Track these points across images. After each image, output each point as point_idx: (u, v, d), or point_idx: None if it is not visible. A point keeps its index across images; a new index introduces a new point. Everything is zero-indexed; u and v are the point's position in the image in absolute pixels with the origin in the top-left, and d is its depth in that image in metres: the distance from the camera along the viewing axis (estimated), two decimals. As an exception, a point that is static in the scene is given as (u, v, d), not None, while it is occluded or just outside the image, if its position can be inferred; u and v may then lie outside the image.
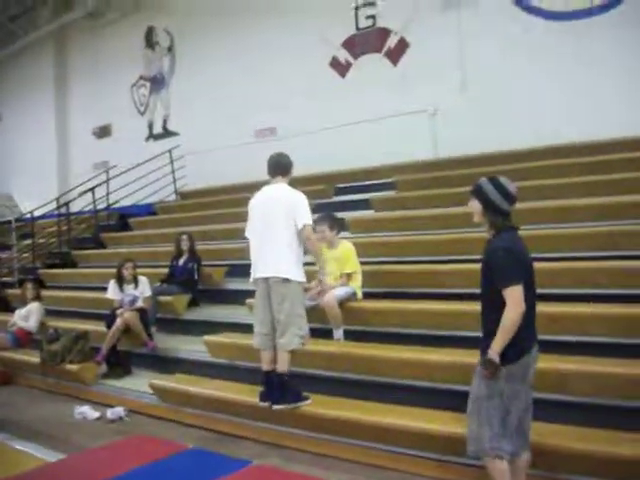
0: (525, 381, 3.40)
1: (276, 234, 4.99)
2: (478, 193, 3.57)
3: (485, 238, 6.29)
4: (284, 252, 4.96)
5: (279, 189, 5.16)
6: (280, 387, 5.00)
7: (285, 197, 5.08)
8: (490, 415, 3.35)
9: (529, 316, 3.35)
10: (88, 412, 6.35)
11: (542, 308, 5.01)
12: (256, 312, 5.20)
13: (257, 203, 5.24)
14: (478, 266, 5.84)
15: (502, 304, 3.30)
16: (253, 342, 5.27)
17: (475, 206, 3.58)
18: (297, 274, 5.02)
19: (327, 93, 10.37)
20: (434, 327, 5.56)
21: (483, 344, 3.43)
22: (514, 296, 3.28)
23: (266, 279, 5.02)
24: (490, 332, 3.36)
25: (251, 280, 5.20)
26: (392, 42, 9.72)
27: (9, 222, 13.04)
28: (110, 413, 6.24)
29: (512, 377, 3.33)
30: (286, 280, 4.93)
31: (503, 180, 3.53)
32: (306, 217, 5.04)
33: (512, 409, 3.36)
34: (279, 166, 5.23)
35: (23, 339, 8.31)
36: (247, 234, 5.33)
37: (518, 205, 6.46)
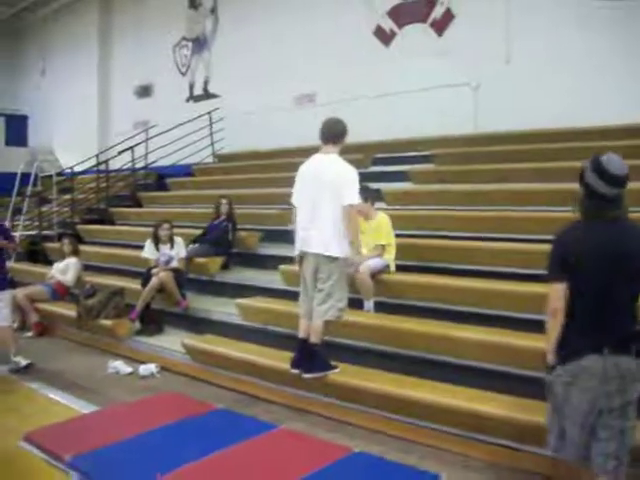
0: (578, 390, 2.97)
1: (324, 211, 4.89)
2: (580, 176, 3.06)
3: (520, 216, 6.20)
4: (331, 229, 4.88)
5: (329, 162, 4.99)
6: (310, 356, 5.04)
7: (335, 173, 4.92)
8: (548, 412, 3.18)
9: (582, 319, 2.98)
10: (121, 367, 6.51)
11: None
12: (303, 283, 5.18)
13: (306, 174, 5.10)
14: (514, 245, 5.89)
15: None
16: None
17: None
18: (343, 250, 4.97)
19: (370, 61, 10.24)
20: (466, 304, 5.56)
21: None
22: (549, 293, 3.03)
23: (314, 254, 4.99)
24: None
25: (296, 251, 5.14)
26: (438, 12, 9.52)
27: (50, 176, 13.26)
28: (142, 369, 6.39)
29: (560, 379, 3.03)
30: (334, 258, 4.91)
31: (606, 158, 2.97)
32: (351, 196, 4.88)
33: (564, 413, 3.05)
34: (332, 133, 5.05)
35: (61, 292, 8.50)
36: (294, 202, 5.23)
37: (559, 185, 6.44)
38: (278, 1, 11.76)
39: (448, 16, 9.41)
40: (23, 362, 6.39)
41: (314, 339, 5.02)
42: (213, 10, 13.45)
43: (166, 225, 7.75)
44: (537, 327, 4.89)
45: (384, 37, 10.24)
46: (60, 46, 17.16)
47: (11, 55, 18.77)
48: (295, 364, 5.15)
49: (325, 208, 4.90)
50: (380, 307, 5.95)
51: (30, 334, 8.12)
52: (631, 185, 5.59)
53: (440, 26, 9.51)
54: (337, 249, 4.92)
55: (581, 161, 6.89)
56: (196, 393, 5.71)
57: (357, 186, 4.95)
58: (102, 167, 12.04)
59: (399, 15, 10.03)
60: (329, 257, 4.91)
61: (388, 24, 10.16)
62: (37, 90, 17.92)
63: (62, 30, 17.06)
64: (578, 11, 8.02)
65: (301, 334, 5.16)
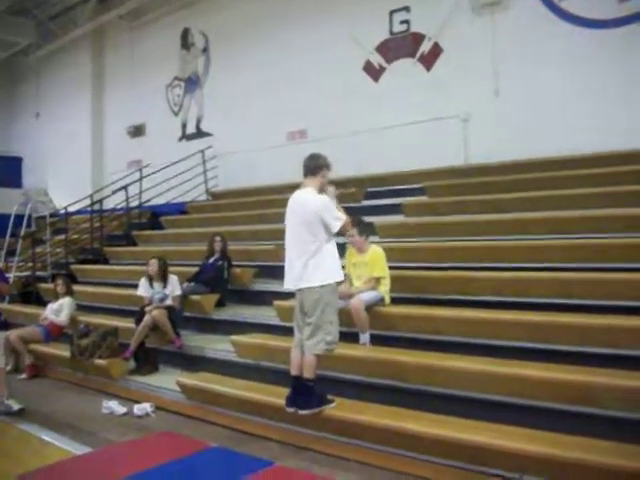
0: None
1: (303, 245, 4.94)
2: None
3: (514, 245, 6.24)
4: (311, 262, 4.90)
5: (303, 195, 5.08)
6: (305, 392, 4.98)
7: (308, 206, 4.97)
8: None
9: None
10: (115, 407, 6.42)
11: (576, 319, 5.00)
12: (294, 318, 5.21)
13: (288, 210, 5.17)
14: (508, 274, 5.89)
15: None
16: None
17: None
18: (327, 278, 4.95)
19: (360, 97, 10.40)
20: (462, 334, 5.52)
21: None
22: None
23: (298, 289, 5.03)
24: None
25: (284, 287, 5.18)
26: (426, 47, 9.69)
27: (44, 217, 13.27)
28: (137, 409, 6.30)
29: None
30: (317, 287, 4.91)
31: None
32: (335, 223, 4.93)
33: None
34: (307, 167, 5.15)
35: (54, 333, 8.43)
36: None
37: (550, 214, 6.49)
38: (268, 39, 11.94)
39: (436, 50, 9.57)
40: (15, 407, 6.28)
41: (307, 374, 4.96)
42: (205, 50, 13.66)
43: (153, 261, 7.68)
44: (534, 356, 4.89)
45: (373, 72, 10.38)
46: (54, 88, 17.34)
47: (5, 98, 18.98)
48: (290, 402, 5.06)
49: (303, 241, 4.94)
50: (376, 340, 5.90)
51: (24, 376, 8.04)
52: (627, 211, 5.63)
53: (428, 60, 9.66)
54: (317, 280, 4.92)
55: (572, 189, 7.03)
56: (192, 432, 5.66)
57: (334, 208, 5.00)
58: (96, 207, 12.05)
59: (388, 50, 10.20)
60: (311, 289, 4.92)
61: (377, 59, 10.31)
62: (31, 132, 18.04)
63: (56, 72, 17.27)
64: (565, 42, 8.19)
65: (293, 371, 5.11)
